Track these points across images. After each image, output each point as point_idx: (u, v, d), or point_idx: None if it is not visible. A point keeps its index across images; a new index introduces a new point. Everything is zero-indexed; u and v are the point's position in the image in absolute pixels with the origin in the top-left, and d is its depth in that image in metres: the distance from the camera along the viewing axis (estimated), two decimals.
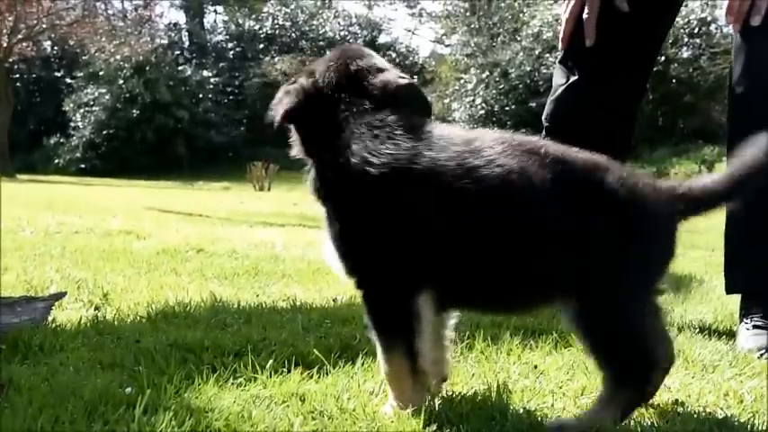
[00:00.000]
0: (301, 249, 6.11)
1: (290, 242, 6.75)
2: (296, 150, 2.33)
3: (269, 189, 30.95)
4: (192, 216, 11.00)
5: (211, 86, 48.17)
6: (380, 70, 2.28)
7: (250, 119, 46.28)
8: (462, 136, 2.10)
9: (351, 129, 2.15)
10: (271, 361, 2.42)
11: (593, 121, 3.59)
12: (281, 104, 2.29)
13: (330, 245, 2.14)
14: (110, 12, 52.46)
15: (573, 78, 3.66)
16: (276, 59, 47.84)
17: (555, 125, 3.70)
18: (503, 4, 43.14)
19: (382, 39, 53.49)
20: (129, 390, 2.09)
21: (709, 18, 41.80)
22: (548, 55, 39.95)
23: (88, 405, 1.99)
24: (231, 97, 49.18)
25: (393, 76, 2.27)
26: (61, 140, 44.67)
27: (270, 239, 6.86)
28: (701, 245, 8.24)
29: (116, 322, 3.11)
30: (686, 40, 42.66)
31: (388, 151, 2.04)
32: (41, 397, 2.04)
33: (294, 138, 2.34)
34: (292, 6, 53.64)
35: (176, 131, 43.90)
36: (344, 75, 2.29)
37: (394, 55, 48.01)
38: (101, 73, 44.56)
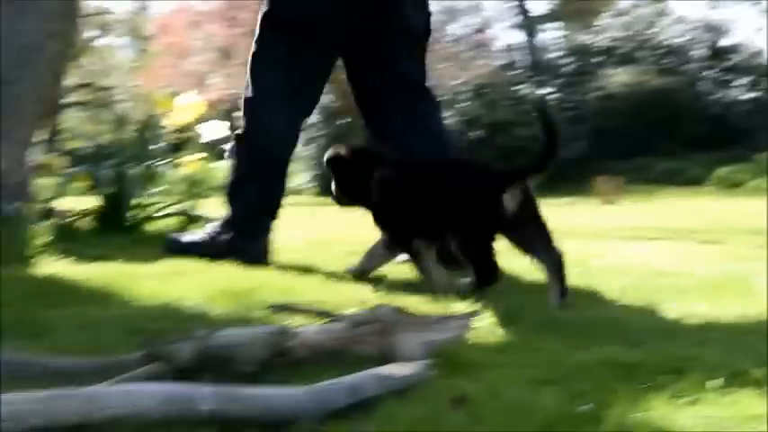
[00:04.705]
0: None
1: None
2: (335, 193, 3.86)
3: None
4: None
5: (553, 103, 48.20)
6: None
7: (590, 132, 45.66)
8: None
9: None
10: None
11: None
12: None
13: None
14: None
15: None
16: (613, 72, 46.81)
17: None
18: None
19: (725, 42, 49.99)
20: (584, 407, 2.05)
21: None
22: None
23: (542, 422, 1.98)
24: (571, 113, 48.91)
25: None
26: None
27: None
28: None
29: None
30: None
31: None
32: (492, 413, 2.05)
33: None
34: (628, 17, 52.35)
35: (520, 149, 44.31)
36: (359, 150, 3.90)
37: (739, 58, 44.76)
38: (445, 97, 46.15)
